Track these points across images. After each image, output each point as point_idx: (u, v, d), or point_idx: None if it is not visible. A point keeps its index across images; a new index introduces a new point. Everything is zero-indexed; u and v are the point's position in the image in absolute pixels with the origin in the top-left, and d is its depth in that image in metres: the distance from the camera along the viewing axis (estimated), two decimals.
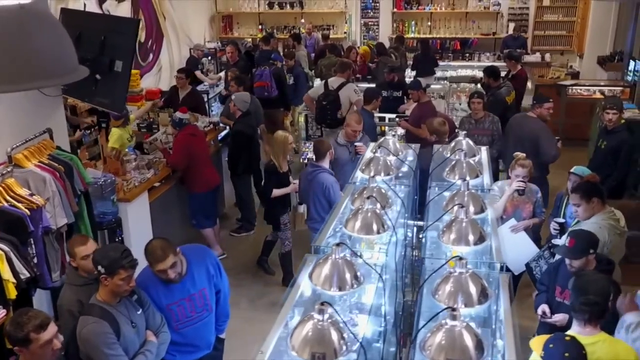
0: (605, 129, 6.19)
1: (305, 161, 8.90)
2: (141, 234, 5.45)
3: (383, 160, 3.90)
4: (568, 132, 9.55)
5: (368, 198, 3.08)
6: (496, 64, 11.58)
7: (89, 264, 3.33)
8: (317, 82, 10.78)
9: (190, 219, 6.41)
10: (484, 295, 2.49)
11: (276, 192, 5.67)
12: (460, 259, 2.50)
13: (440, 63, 12.35)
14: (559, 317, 3.59)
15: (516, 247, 4.66)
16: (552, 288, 3.73)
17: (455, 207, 3.00)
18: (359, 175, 3.90)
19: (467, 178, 3.73)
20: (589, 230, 3.75)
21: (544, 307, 3.69)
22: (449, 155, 4.02)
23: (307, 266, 2.76)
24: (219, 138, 7.69)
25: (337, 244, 2.59)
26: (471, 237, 2.93)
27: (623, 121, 6.13)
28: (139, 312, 3.28)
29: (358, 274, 2.61)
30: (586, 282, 2.98)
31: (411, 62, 11.52)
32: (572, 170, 4.59)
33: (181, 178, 6.33)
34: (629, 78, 10.31)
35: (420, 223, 3.78)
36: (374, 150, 4.12)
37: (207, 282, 3.63)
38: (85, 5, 9.09)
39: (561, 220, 4.52)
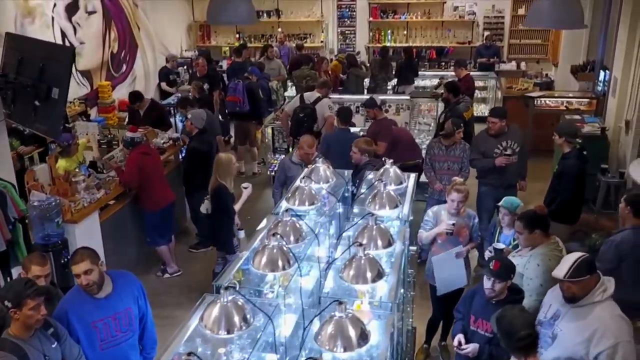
0: (562, 153, 6.12)
1: (273, 174, 8.98)
2: None
3: (308, 190, 3.95)
4: (536, 144, 9.65)
5: (273, 235, 3.14)
6: (472, 73, 11.75)
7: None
8: (287, 94, 10.91)
9: (144, 237, 6.47)
10: (363, 339, 2.56)
11: (238, 205, 5.69)
12: (340, 303, 2.56)
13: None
14: (470, 349, 3.66)
15: (452, 270, 4.73)
16: (467, 316, 3.80)
17: (355, 244, 3.06)
18: (283, 204, 3.95)
19: (386, 208, 3.82)
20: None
21: (459, 337, 3.76)
22: (374, 182, 4.08)
23: (202, 306, 2.82)
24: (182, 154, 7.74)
25: (226, 287, 2.65)
26: (369, 275, 2.99)
27: (578, 146, 6.01)
28: (53, 346, 3.33)
29: (248, 315, 2.67)
30: (511, 322, 3.04)
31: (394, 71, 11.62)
32: (499, 203, 4.64)
33: (136, 196, 6.39)
34: (599, 88, 10.37)
35: None
36: (302, 178, 4.17)
37: (132, 303, 3.74)
38: (53, 18, 9.17)
39: (499, 246, 4.58)
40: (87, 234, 5.65)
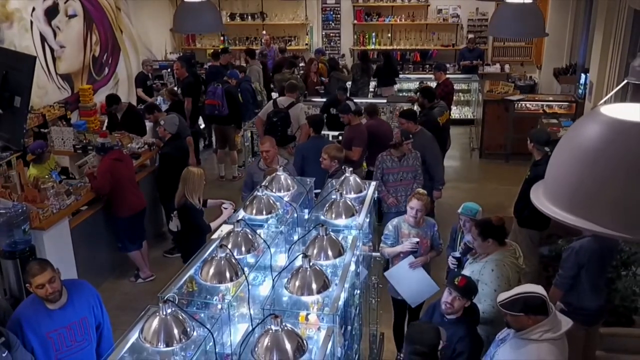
0: (534, 160, 6.09)
1: None
2: (61, 260, 5.50)
3: (266, 198, 3.97)
4: (515, 147, 9.71)
5: (221, 247, 3.16)
6: (455, 76, 11.83)
7: None
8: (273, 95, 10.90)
9: (116, 242, 6.48)
10: (299, 351, 2.58)
11: (215, 224, 5.45)
12: (276, 316, 2.58)
13: (401, 74, 12.54)
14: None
15: (414, 281, 4.74)
16: None
17: (300, 257, 3.08)
18: (240, 214, 3.96)
19: (343, 217, 3.85)
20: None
21: None
22: (331, 191, 4.09)
23: (144, 318, 2.83)
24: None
25: (165, 300, 2.67)
26: (314, 286, 3.01)
27: (549, 154, 6.02)
28: (4, 355, 3.34)
29: (188, 329, 2.69)
30: (415, 332, 3.07)
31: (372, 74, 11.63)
32: (458, 210, 4.66)
33: (108, 202, 6.39)
34: (580, 91, 10.42)
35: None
36: (262, 187, 4.18)
37: (87, 312, 3.77)
38: (32, 23, 9.15)
39: (458, 254, 4.61)
40: (57, 240, 5.65)
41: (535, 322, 3.17)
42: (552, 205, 1.55)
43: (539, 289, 3.27)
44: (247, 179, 6.07)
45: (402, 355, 5.30)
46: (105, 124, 8.53)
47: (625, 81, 1.48)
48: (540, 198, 1.61)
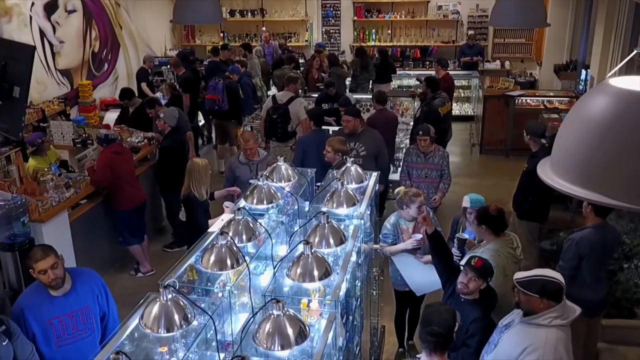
0: (531, 152, 6.06)
1: None
2: (60, 252, 5.48)
3: (267, 188, 3.94)
4: (516, 143, 9.67)
5: (222, 234, 3.13)
6: (455, 72, 11.80)
7: None
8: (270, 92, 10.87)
9: (116, 236, 6.45)
10: (301, 336, 2.56)
11: (212, 221, 5.46)
12: (278, 301, 2.55)
13: (401, 71, 12.52)
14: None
15: (421, 268, 4.71)
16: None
17: (301, 244, 3.05)
18: (242, 203, 3.94)
19: (344, 206, 3.82)
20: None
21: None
22: (332, 181, 4.07)
23: (144, 305, 2.80)
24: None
25: (165, 286, 2.64)
26: (316, 273, 2.99)
27: (547, 145, 5.90)
28: (4, 343, 3.31)
29: (189, 315, 2.67)
30: (431, 313, 3.06)
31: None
32: (464, 205, 4.65)
33: (107, 195, 6.37)
34: (581, 87, 10.40)
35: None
36: (262, 177, 4.15)
37: (91, 301, 3.73)
38: (31, 17, 9.12)
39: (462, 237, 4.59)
40: (56, 233, 5.62)
41: (547, 307, 3.17)
42: (560, 179, 1.53)
43: (557, 275, 3.26)
44: (229, 174, 6.05)
45: (402, 348, 5.30)
46: (107, 117, 8.46)
47: (635, 52, 1.46)
48: (549, 173, 1.58)
